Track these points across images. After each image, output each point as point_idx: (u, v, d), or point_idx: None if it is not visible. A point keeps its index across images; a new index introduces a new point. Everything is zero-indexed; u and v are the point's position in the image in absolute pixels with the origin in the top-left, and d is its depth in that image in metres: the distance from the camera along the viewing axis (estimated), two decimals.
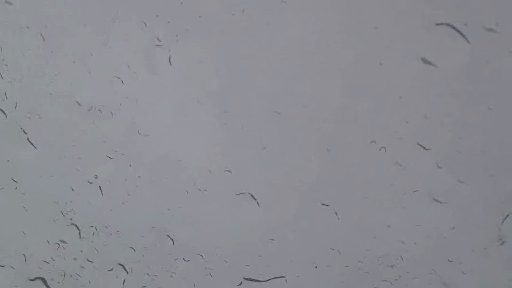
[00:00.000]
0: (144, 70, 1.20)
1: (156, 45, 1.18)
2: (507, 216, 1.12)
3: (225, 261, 1.26)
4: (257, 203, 1.22)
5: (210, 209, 1.25)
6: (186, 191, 1.25)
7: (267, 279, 1.25)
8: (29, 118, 1.26)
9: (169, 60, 1.18)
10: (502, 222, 1.13)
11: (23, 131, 1.26)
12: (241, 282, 1.27)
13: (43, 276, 1.34)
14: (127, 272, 1.31)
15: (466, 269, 1.16)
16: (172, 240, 1.28)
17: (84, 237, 1.31)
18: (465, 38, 1.05)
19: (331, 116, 1.15)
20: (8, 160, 1.29)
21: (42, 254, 1.33)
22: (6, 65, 1.24)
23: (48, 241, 1.32)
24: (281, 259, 1.24)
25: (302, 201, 1.20)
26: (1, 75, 1.24)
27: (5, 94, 1.25)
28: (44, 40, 1.21)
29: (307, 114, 1.16)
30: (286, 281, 1.25)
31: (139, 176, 1.25)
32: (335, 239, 1.21)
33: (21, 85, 1.24)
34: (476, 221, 1.13)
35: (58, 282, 1.34)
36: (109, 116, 1.23)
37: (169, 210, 1.26)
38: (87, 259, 1.32)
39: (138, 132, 1.23)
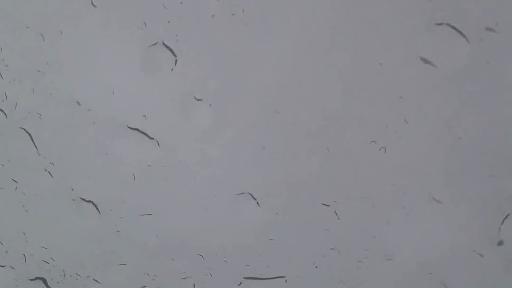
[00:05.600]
0: (144, 70, 1.20)
1: (156, 45, 1.18)
2: (507, 216, 1.13)
3: (225, 261, 1.26)
4: (257, 203, 1.22)
5: (210, 209, 1.25)
6: (186, 191, 1.25)
7: (267, 278, 1.25)
8: (29, 118, 1.26)
9: (170, 61, 1.18)
10: (502, 222, 1.13)
11: (25, 130, 1.26)
12: (241, 282, 1.27)
13: (43, 276, 1.34)
14: (127, 272, 1.31)
15: (466, 269, 1.16)
16: (172, 240, 1.28)
17: None
18: (465, 38, 1.05)
19: (331, 116, 1.15)
20: (8, 160, 1.29)
21: (42, 254, 1.33)
22: (6, 65, 1.23)
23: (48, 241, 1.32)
24: (281, 259, 1.24)
25: (302, 201, 1.20)
26: (1, 75, 1.24)
27: (5, 94, 1.25)
28: (44, 40, 1.21)
29: (307, 114, 1.16)
30: (286, 281, 1.25)
31: (139, 176, 1.25)
32: (335, 239, 1.21)
33: (21, 85, 1.24)
34: (476, 221, 1.13)
35: (58, 282, 1.34)
36: (109, 116, 1.23)
37: (169, 209, 1.26)
38: (87, 259, 1.32)
39: (138, 132, 1.23)
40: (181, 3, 1.15)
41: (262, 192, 1.21)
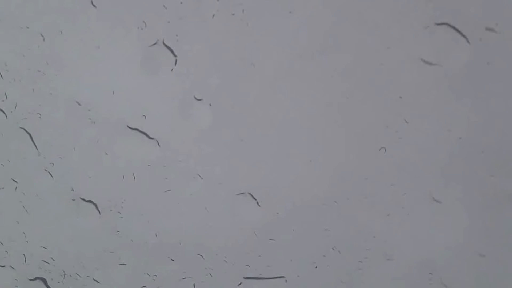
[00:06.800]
0: (144, 70, 1.20)
1: (156, 45, 1.18)
2: (507, 216, 1.12)
3: (225, 261, 1.26)
4: (257, 203, 1.22)
5: (210, 209, 1.25)
6: (186, 190, 1.25)
7: (267, 278, 1.25)
8: (29, 118, 1.26)
9: (170, 61, 1.18)
10: (502, 223, 1.13)
11: (25, 130, 1.26)
12: (241, 282, 1.27)
13: (43, 276, 1.34)
14: (127, 272, 1.31)
15: (466, 269, 1.16)
16: (173, 240, 1.28)
17: None
18: (465, 38, 1.05)
19: (331, 116, 1.15)
20: (8, 160, 1.29)
21: (42, 254, 1.33)
22: (6, 65, 1.24)
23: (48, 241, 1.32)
24: (281, 259, 1.24)
25: (302, 201, 1.20)
26: (1, 75, 1.24)
27: (5, 94, 1.25)
28: (44, 40, 1.21)
29: (307, 114, 1.16)
30: (286, 281, 1.25)
31: (139, 176, 1.25)
32: (335, 239, 1.21)
33: (21, 85, 1.24)
34: (476, 221, 1.13)
35: (58, 282, 1.34)
36: (109, 116, 1.23)
37: (169, 209, 1.26)
38: (87, 259, 1.32)
39: (138, 132, 1.23)
40: (181, 3, 1.15)
41: (262, 192, 1.21)
